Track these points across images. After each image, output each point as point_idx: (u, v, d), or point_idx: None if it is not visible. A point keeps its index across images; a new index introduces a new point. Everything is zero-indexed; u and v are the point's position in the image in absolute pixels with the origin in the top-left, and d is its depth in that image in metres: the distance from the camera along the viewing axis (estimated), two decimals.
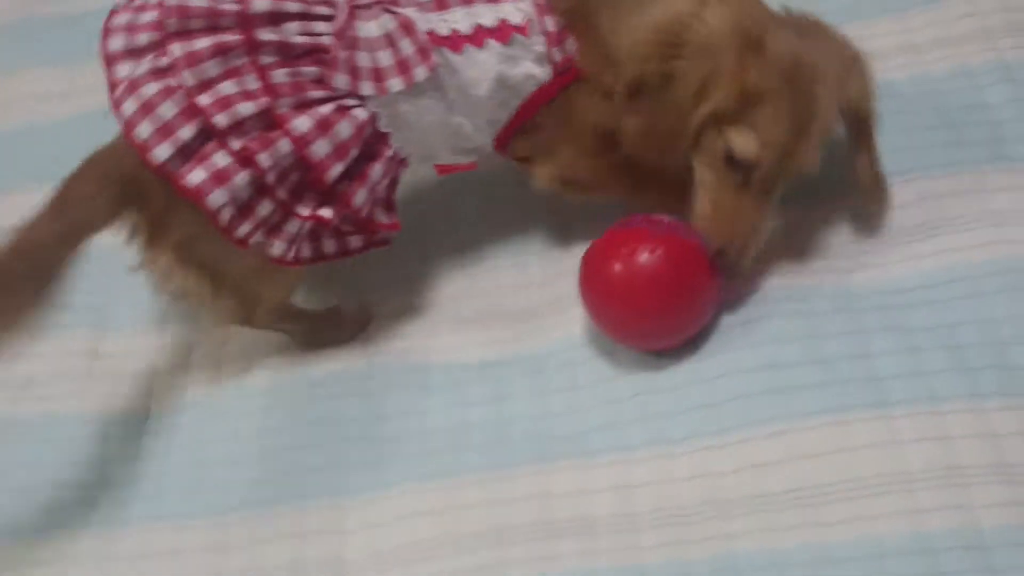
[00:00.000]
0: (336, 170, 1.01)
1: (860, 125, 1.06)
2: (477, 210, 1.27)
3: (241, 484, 1.12)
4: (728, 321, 1.08)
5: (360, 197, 1.04)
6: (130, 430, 1.20)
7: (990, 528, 0.89)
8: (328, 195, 1.03)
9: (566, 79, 1.07)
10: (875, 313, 1.04)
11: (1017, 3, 1.21)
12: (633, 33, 1.03)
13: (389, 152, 1.06)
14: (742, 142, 1.00)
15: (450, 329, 1.18)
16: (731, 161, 1.02)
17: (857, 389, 0.98)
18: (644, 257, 1.02)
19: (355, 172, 1.03)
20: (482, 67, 1.05)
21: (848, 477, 0.94)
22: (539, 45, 1.06)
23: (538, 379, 1.11)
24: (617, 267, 1.04)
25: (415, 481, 1.07)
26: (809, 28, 1.05)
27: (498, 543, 1.00)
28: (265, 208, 1.01)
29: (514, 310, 1.18)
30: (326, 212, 1.03)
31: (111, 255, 1.34)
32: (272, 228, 1.03)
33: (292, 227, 1.04)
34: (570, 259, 1.13)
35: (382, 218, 1.09)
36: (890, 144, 1.11)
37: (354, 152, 1.02)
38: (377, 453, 1.10)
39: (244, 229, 1.01)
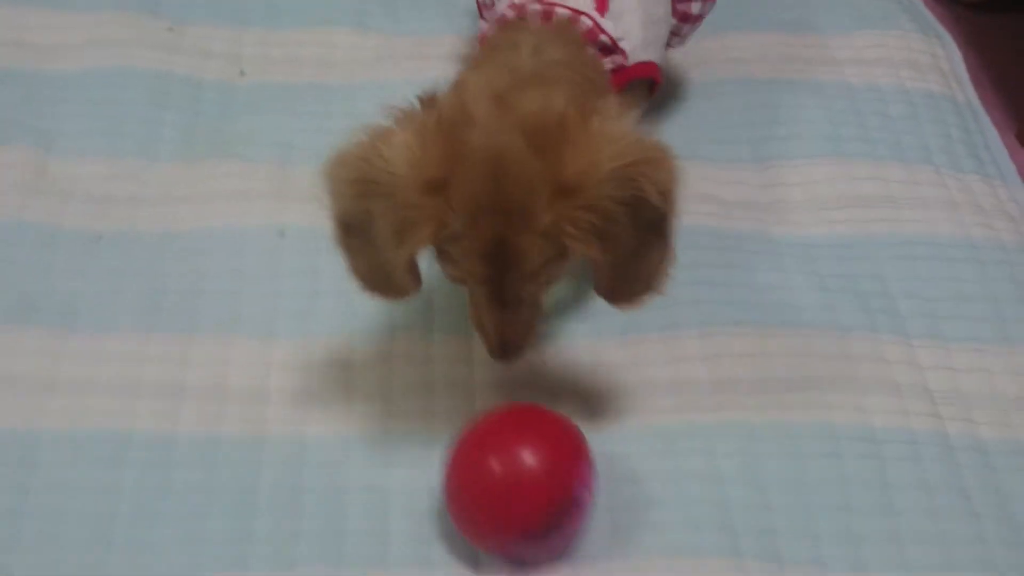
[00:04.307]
0: None
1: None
2: None
3: (203, 313, 1.16)
4: None
5: None
6: (79, 248, 1.20)
7: (880, 426, 1.09)
8: None
9: None
10: (792, 258, 1.24)
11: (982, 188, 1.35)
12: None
13: None
14: (448, 270, 0.94)
15: None
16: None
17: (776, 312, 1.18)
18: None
19: None
20: None
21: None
22: None
23: None
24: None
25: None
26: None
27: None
28: None
29: None
30: None
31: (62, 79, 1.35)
32: None
33: None
34: None
35: None
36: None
37: None
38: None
39: None
